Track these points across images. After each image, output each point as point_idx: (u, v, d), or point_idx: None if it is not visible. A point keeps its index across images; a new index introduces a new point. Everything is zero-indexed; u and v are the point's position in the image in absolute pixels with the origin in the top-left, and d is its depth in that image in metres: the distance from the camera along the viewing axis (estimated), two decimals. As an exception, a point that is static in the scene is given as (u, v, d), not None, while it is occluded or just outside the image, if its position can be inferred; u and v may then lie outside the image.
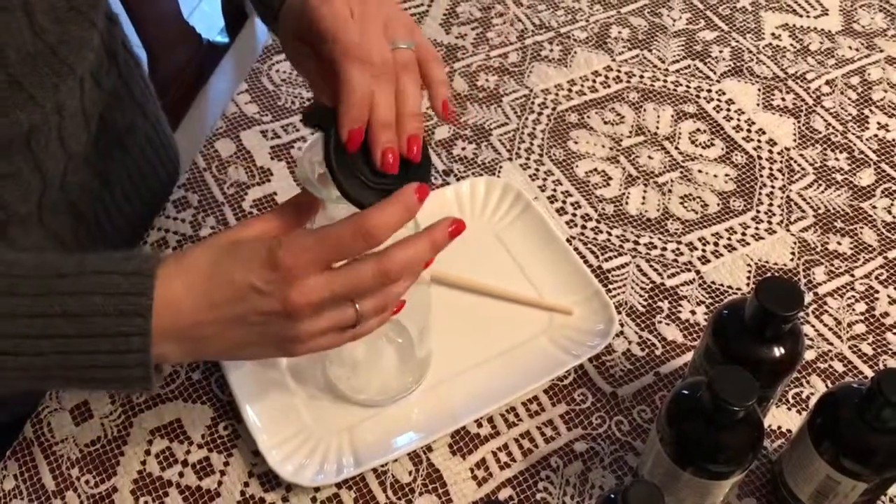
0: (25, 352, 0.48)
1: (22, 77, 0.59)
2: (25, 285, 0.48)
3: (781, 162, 0.88)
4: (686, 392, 0.59)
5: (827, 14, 1.03)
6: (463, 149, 0.88)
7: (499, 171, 0.86)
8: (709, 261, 0.80)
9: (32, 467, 0.67)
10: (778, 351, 0.61)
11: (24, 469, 0.67)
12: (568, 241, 0.80)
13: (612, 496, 0.55)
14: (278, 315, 0.50)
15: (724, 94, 0.94)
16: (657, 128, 0.91)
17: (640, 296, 0.78)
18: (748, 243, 0.82)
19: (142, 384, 0.51)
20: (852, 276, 0.80)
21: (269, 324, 0.51)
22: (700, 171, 0.87)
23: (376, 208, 0.50)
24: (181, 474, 0.67)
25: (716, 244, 0.82)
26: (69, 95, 0.65)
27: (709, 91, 0.94)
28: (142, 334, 0.49)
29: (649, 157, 0.88)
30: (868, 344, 0.76)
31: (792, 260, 0.81)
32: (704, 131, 0.91)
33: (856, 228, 0.83)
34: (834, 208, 0.85)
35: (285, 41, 0.60)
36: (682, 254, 0.81)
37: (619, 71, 0.96)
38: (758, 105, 0.93)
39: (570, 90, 0.94)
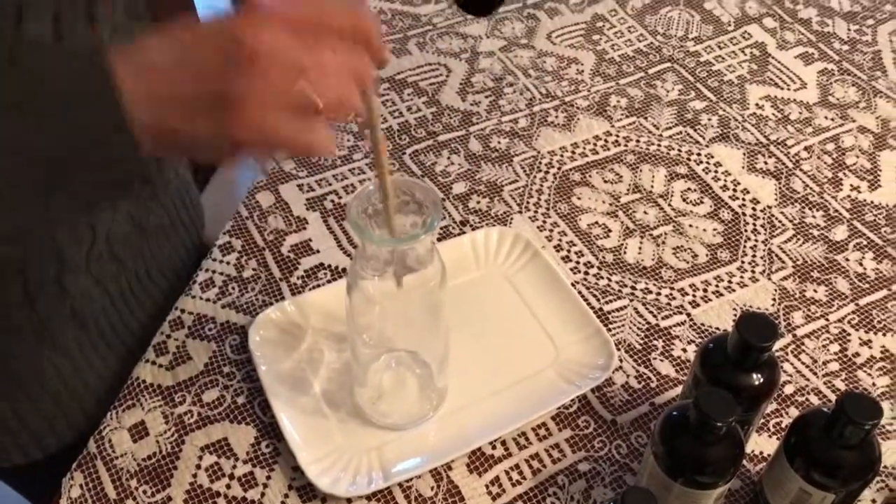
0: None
1: None
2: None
3: (764, 218, 0.98)
4: (676, 413, 0.67)
5: (805, 87, 1.14)
6: (478, 202, 0.98)
7: (510, 223, 0.96)
8: (698, 305, 0.90)
9: (96, 478, 0.75)
10: (757, 379, 0.69)
11: (88, 480, 0.75)
12: (572, 285, 0.90)
13: (613, 503, 0.64)
14: (239, 48, 0.48)
15: (712, 157, 1.04)
16: (652, 186, 1.01)
17: (637, 335, 0.87)
18: (734, 290, 0.91)
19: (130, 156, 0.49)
20: (827, 320, 0.89)
21: (227, 55, 0.48)
22: (691, 226, 0.97)
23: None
24: (228, 486, 0.75)
25: (705, 290, 0.91)
26: None
27: (698, 154, 1.05)
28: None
29: (645, 213, 0.98)
30: (841, 380, 0.84)
31: (773, 305, 0.90)
32: (695, 190, 1.01)
33: (830, 278, 0.93)
34: (811, 260, 0.95)
35: None
36: (674, 298, 0.90)
37: (617, 136, 1.06)
38: (743, 168, 1.04)
39: (573, 152, 1.04)
